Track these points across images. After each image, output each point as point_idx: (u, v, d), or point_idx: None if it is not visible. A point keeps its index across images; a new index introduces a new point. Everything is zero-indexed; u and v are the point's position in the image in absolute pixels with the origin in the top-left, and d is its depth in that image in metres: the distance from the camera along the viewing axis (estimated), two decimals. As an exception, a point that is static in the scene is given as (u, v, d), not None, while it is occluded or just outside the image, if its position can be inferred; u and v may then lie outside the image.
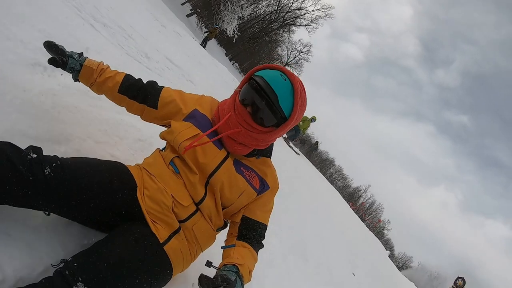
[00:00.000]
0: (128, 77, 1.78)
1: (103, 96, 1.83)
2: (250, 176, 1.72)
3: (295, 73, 1.69)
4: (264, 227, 1.81)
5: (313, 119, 16.24)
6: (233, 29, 34.47)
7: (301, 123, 15.35)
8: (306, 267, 4.17)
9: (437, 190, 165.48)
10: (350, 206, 34.72)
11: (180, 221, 1.59)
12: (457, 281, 29.94)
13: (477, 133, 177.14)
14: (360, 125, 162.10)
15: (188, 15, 30.51)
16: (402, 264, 67.10)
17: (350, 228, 12.44)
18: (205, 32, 22.00)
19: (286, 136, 14.74)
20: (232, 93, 1.71)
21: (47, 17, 2.43)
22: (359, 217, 35.01)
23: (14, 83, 1.81)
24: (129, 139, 2.30)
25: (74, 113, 2.01)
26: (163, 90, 1.78)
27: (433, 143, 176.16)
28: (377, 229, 65.61)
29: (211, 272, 1.33)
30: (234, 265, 1.46)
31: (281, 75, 1.58)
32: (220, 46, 43.29)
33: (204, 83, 6.02)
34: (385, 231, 73.07)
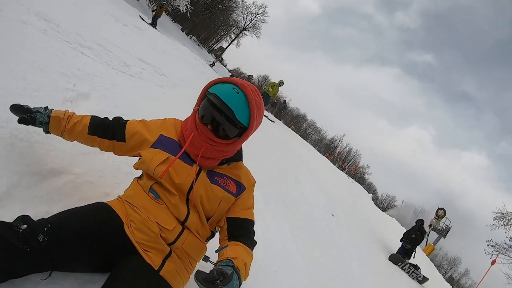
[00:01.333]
0: (94, 118, 1.83)
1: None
2: (225, 183, 1.78)
3: (251, 79, 1.92)
4: (250, 222, 1.85)
5: (281, 83, 16.35)
6: (185, 4, 34.28)
7: (270, 89, 15.86)
8: (288, 212, 4.89)
9: (411, 130, 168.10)
10: (328, 157, 35.68)
11: (170, 244, 1.66)
12: (438, 212, 31.45)
13: (442, 70, 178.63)
14: (326, 77, 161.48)
15: (137, -2, 30.13)
16: (386, 205, 69.15)
17: (328, 177, 13.24)
18: (152, 11, 21.70)
19: None
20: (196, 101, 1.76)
21: (53, 57, 3.01)
22: (338, 166, 36.24)
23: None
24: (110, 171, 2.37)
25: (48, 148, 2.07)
26: (128, 123, 1.82)
27: (401, 85, 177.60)
28: (358, 175, 67.43)
29: (208, 269, 1.36)
30: (228, 259, 1.47)
31: (233, 88, 1.63)
32: (175, 22, 42.83)
33: (174, 72, 6.54)
34: (366, 176, 75.32)
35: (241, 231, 1.77)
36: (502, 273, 25.46)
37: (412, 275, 9.71)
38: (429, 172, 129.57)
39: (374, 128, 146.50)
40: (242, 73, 73.57)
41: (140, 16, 13.79)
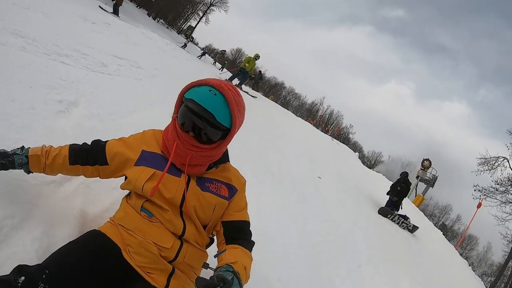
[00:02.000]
0: (73, 147, 1.77)
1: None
2: (216, 188, 1.75)
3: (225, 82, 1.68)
4: (246, 223, 1.84)
5: (256, 57, 16.22)
6: (148, -12, 33.70)
7: (246, 64, 15.73)
8: (275, 180, 5.24)
9: (390, 86, 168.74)
10: (310, 122, 35.91)
11: (171, 261, 1.65)
12: (424, 163, 32.40)
13: (415, 24, 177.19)
14: (299, 43, 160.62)
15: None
16: (374, 161, 70.47)
17: (312, 141, 13.68)
18: (112, 0, 21.29)
19: (237, 84, 14.93)
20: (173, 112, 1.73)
21: (37, 72, 3.14)
22: (321, 130, 36.59)
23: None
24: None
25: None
26: (107, 145, 1.76)
27: (375, 42, 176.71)
28: (342, 135, 68.35)
29: (208, 275, 1.38)
30: (228, 265, 1.46)
31: (210, 90, 1.59)
32: (140, 8, 42.10)
33: (149, 63, 6.66)
34: (351, 136, 76.43)
35: (238, 233, 1.77)
36: (491, 215, 26.50)
37: (402, 225, 10.22)
38: (413, 125, 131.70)
39: (353, 88, 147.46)
40: (215, 49, 72.82)
41: (100, 6, 13.61)
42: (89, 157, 1.75)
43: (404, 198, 11.15)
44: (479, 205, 20.55)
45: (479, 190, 27.27)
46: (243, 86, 15.50)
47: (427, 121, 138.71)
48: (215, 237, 1.85)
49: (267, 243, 3.12)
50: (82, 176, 1.82)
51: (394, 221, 10.07)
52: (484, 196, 26.64)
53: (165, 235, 1.65)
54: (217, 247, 1.80)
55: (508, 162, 27.41)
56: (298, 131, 14.15)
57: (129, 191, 1.81)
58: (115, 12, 15.83)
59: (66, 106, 2.89)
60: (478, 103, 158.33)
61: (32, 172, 1.77)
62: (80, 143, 1.80)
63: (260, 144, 6.93)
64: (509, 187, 27.05)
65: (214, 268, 1.54)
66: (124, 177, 1.77)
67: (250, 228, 1.86)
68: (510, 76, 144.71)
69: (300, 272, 3.47)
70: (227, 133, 1.66)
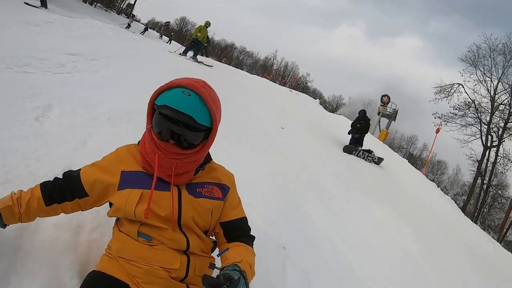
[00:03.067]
0: (44, 186, 1.62)
1: None
2: (209, 191, 1.70)
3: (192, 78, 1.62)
4: (243, 219, 1.80)
5: (207, 24, 15.93)
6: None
7: (198, 34, 15.48)
8: (242, 138, 5.63)
9: (341, 29, 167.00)
10: (266, 77, 36.08)
11: (183, 279, 1.60)
12: (382, 99, 33.29)
13: None
14: (242, 0, 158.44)
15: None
16: (335, 105, 71.60)
17: (270, 95, 14.21)
18: None
19: (192, 56, 14.84)
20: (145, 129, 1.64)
21: (8, 87, 3.34)
22: (279, 83, 36.92)
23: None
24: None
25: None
26: (81, 174, 1.62)
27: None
28: (301, 85, 69.01)
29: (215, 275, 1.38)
30: (234, 264, 1.45)
31: (183, 92, 1.50)
32: (73, -5, 40.38)
33: (100, 52, 6.82)
34: (309, 84, 77.29)
35: (238, 231, 1.76)
36: (454, 139, 28.06)
37: (368, 159, 10.87)
38: (370, 65, 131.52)
39: (305, 36, 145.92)
40: (158, 22, 70.96)
41: (26, 3, 13.19)
42: (65, 192, 1.61)
43: (366, 134, 11.76)
44: (437, 130, 21.58)
45: (439, 117, 28.81)
46: (198, 58, 15.14)
47: (383, 59, 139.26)
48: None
49: (245, 190, 3.28)
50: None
51: (360, 156, 10.73)
52: (445, 122, 28.22)
53: (171, 256, 1.58)
54: (218, 247, 1.78)
55: (463, 87, 28.89)
56: (256, 88, 14.48)
57: (116, 217, 1.74)
58: (43, 4, 15.14)
59: (42, 111, 3.14)
60: (430, 34, 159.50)
61: (8, 225, 1.61)
62: (51, 179, 1.66)
63: (223, 108, 7.22)
64: (467, 110, 28.64)
65: (220, 267, 1.49)
66: (108, 203, 1.68)
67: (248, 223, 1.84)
68: (458, 4, 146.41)
69: (278, 208, 3.93)
70: (208, 132, 1.60)
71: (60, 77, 4.32)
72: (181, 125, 1.48)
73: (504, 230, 25.89)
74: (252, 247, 1.75)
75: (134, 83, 5.54)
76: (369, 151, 11.06)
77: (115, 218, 1.76)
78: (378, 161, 11.16)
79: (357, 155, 10.78)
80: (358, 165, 9.75)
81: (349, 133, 11.67)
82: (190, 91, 1.51)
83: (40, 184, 1.64)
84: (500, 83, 28.20)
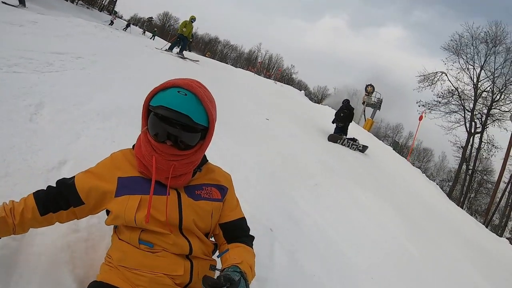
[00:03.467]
0: (38, 195, 1.55)
1: None
2: (208, 193, 1.68)
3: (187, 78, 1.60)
4: (242, 220, 1.80)
5: (193, 19, 15.64)
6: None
7: (184, 29, 15.23)
8: (227, 128, 5.69)
9: (324, 21, 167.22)
10: (251, 70, 36.08)
11: (187, 285, 1.58)
12: (367, 88, 33.67)
13: None
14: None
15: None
16: (321, 96, 71.87)
17: (255, 88, 14.36)
18: None
19: (178, 52, 14.57)
20: (140, 133, 1.64)
21: (1, 87, 3.42)
22: (264, 76, 36.98)
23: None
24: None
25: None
26: (76, 182, 1.56)
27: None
28: (286, 77, 69.16)
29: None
30: (234, 265, 1.45)
31: (178, 91, 1.48)
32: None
33: (86, 50, 6.90)
34: (294, 76, 77.56)
35: (237, 232, 1.75)
36: (438, 126, 28.59)
37: (353, 147, 11.10)
38: (354, 55, 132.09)
39: (290, 29, 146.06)
40: (141, 18, 70.33)
41: (3, 2, 13.08)
42: (60, 201, 1.55)
43: (350, 123, 11.95)
44: (420, 118, 21.95)
45: (423, 105, 29.48)
46: (185, 55, 14.89)
47: (368, 49, 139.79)
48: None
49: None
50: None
51: (344, 144, 10.95)
52: (429, 110, 28.77)
53: (174, 262, 1.56)
54: (218, 249, 1.77)
55: (447, 75, 29.46)
56: (240, 81, 14.70)
57: (114, 225, 1.71)
58: (21, 2, 14.90)
59: (35, 109, 3.24)
60: (414, 24, 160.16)
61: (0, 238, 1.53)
62: (44, 187, 1.60)
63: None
64: (451, 98, 29.26)
65: (221, 269, 1.51)
66: (104, 211, 1.64)
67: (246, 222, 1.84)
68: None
69: (265, 193, 4.10)
70: (205, 132, 1.58)
71: (49, 76, 4.41)
72: (178, 125, 1.46)
73: (490, 214, 26.40)
74: (252, 248, 1.75)
75: (121, 79, 5.66)
76: (354, 139, 11.28)
77: (112, 226, 1.74)
78: (363, 149, 11.38)
79: (341, 143, 11.00)
80: (343, 153, 9.95)
81: (333, 122, 11.86)
82: (186, 91, 1.50)
83: (33, 193, 1.57)
84: (482, 71, 28.90)
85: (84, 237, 2.02)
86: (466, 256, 6.67)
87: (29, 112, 3.20)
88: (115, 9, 49.52)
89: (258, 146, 6.05)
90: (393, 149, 18.13)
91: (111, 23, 28.90)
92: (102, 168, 1.61)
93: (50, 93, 3.78)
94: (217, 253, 1.78)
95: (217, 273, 1.54)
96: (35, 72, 4.33)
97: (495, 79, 28.21)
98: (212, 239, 1.80)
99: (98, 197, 1.56)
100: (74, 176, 1.59)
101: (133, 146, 1.69)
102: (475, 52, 28.86)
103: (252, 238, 1.80)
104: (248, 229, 1.81)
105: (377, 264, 4.04)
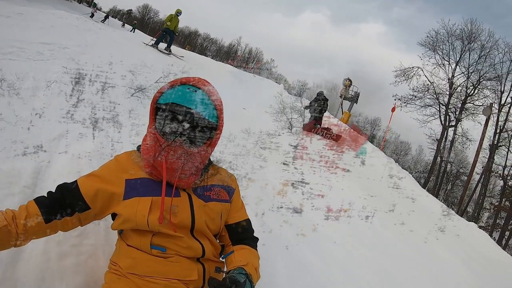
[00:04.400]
0: (40, 201, 1.43)
1: None
2: (217, 194, 1.65)
3: (194, 75, 1.58)
4: (247, 221, 1.77)
5: (178, 13, 15.01)
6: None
7: (168, 23, 14.57)
8: None
9: (305, 15, 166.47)
10: (231, 64, 35.95)
11: None
12: (344, 82, 34.04)
13: None
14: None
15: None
16: (300, 90, 72.75)
17: (232, 81, 14.75)
18: None
19: (166, 48, 14.39)
20: (146, 132, 1.58)
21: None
22: (243, 69, 36.96)
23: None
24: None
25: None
26: (80, 186, 1.47)
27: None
28: (265, 71, 69.28)
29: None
30: (240, 267, 1.43)
31: (188, 88, 1.46)
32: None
33: (70, 42, 7.10)
34: (273, 69, 77.34)
35: (242, 234, 1.72)
36: (413, 119, 29.33)
37: (327, 136, 11.54)
38: (334, 50, 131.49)
39: (270, 23, 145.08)
40: (120, 10, 69.24)
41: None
42: (63, 207, 1.44)
43: (324, 113, 12.39)
44: (393, 109, 22.29)
45: (398, 99, 30.09)
46: (171, 51, 14.60)
47: (348, 44, 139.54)
48: None
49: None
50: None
51: (319, 133, 11.41)
52: (405, 103, 29.56)
53: (187, 267, 1.52)
54: (223, 250, 1.74)
55: (423, 71, 30.10)
56: (218, 74, 14.64)
57: (118, 230, 1.64)
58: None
59: (33, 91, 3.66)
60: (393, 20, 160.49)
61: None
62: (45, 194, 1.48)
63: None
64: (426, 92, 29.92)
65: (226, 271, 1.50)
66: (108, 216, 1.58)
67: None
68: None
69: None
70: (214, 130, 1.55)
71: (40, 64, 4.79)
72: (188, 122, 1.44)
73: (464, 204, 27.22)
74: (257, 249, 1.73)
75: (105, 68, 5.96)
76: (328, 129, 11.69)
77: (117, 232, 1.68)
78: (337, 137, 11.78)
79: (316, 133, 11.40)
80: (316, 141, 10.39)
81: (305, 108, 12.12)
82: (195, 88, 1.49)
83: (34, 200, 1.45)
84: (458, 67, 29.52)
85: (83, 244, 1.97)
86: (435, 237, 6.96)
87: (29, 93, 3.62)
88: (94, 1, 48.82)
89: (237, 139, 6.29)
90: (370, 142, 18.58)
91: (92, 15, 28.67)
92: (107, 171, 1.54)
93: (43, 79, 4.15)
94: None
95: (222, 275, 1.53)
96: (28, 60, 4.73)
97: (470, 74, 28.90)
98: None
99: (104, 201, 1.49)
100: (76, 181, 1.50)
101: (138, 147, 1.66)
102: (450, 48, 29.47)
103: (257, 239, 1.79)
104: (253, 231, 1.79)
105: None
